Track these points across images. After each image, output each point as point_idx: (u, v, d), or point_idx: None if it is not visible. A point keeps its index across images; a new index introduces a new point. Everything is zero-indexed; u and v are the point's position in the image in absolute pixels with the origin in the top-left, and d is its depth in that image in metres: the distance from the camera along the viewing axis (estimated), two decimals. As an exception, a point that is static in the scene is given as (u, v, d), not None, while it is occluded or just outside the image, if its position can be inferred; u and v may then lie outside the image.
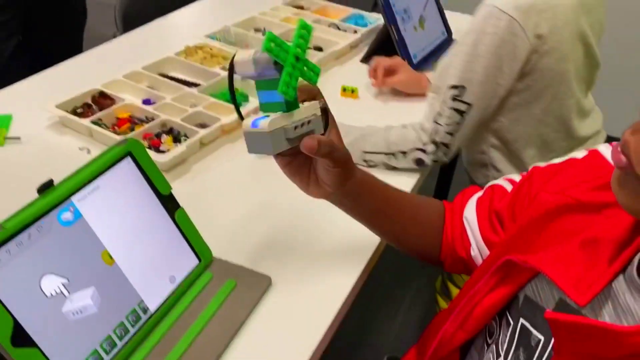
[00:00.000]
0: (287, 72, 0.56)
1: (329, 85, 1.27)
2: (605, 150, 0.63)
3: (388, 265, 2.06)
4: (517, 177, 0.73)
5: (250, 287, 0.73)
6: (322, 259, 0.81)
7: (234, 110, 1.06)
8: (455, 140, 1.02)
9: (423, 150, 1.00)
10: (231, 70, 0.60)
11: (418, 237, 0.76)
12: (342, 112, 1.19)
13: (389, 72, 1.24)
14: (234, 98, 0.64)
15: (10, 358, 0.54)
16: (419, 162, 1.01)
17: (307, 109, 0.60)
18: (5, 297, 0.54)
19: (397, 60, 1.26)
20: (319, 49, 1.38)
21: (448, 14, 1.52)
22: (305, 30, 0.57)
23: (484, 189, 0.76)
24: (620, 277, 0.51)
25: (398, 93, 1.27)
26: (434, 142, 1.00)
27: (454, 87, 1.00)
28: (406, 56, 1.32)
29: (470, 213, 0.73)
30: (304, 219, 0.88)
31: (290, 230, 0.86)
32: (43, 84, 1.20)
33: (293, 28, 1.42)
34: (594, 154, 0.64)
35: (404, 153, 1.01)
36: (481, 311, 0.61)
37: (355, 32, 1.45)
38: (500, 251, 0.63)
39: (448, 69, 1.02)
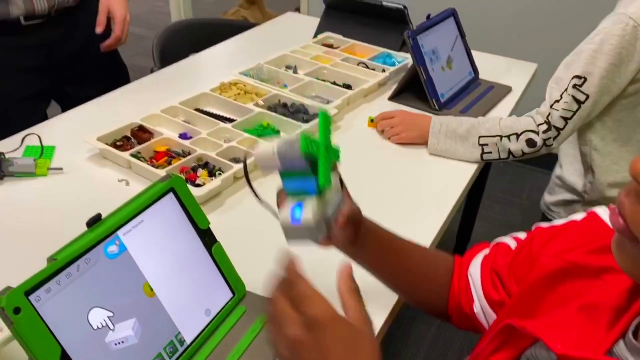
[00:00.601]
0: (322, 164, 0.56)
1: (357, 121, 1.30)
2: (603, 213, 0.64)
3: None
4: (522, 235, 0.75)
5: (283, 322, 0.75)
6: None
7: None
8: (567, 127, 1.13)
9: (535, 132, 1.14)
10: (245, 161, 0.63)
11: (426, 291, 0.77)
12: (370, 141, 1.24)
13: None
14: (250, 185, 0.65)
15: (56, 385, 0.56)
16: (530, 142, 1.14)
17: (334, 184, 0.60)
18: (54, 326, 0.57)
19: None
20: (348, 86, 1.42)
21: (475, 54, 1.55)
22: (326, 121, 0.59)
23: (491, 246, 0.77)
24: (621, 343, 0.51)
25: None
26: (547, 123, 1.13)
27: (577, 77, 1.12)
28: (433, 95, 1.35)
29: (474, 269, 0.74)
30: (336, 256, 0.90)
31: (322, 266, 0.88)
32: (84, 116, 1.26)
33: (323, 66, 1.47)
34: (592, 217, 0.65)
35: (517, 135, 1.15)
36: None
37: (384, 70, 1.49)
38: (503, 314, 0.64)
39: (573, 62, 1.14)
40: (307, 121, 1.21)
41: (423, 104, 1.37)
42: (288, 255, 0.53)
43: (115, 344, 0.62)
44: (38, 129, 1.17)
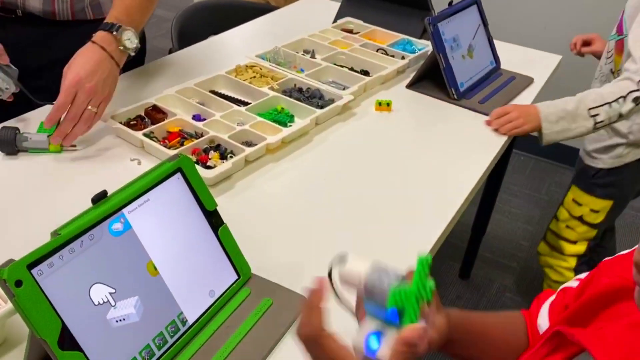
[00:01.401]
0: (408, 317, 0.50)
1: (372, 108, 1.28)
2: None
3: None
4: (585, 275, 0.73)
5: (287, 306, 0.74)
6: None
7: (279, 130, 1.10)
8: None
9: (638, 90, 1.21)
10: (330, 272, 0.55)
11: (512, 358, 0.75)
12: (378, 125, 1.22)
13: (586, 42, 1.54)
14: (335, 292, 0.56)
15: (56, 359, 0.57)
16: (637, 100, 1.22)
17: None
18: (55, 301, 0.57)
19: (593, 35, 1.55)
20: (366, 72, 1.40)
21: (498, 43, 1.52)
22: (424, 267, 0.52)
23: (556, 292, 0.75)
24: None
25: (430, 107, 1.30)
26: None
27: None
28: (452, 84, 1.32)
29: (543, 320, 0.73)
30: (345, 242, 0.89)
31: (329, 250, 0.87)
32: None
33: (341, 51, 1.46)
34: None
35: (623, 98, 1.22)
36: None
37: (403, 57, 1.46)
38: (556, 323, 0.63)
39: None
40: (321, 107, 1.20)
41: (441, 92, 1.34)
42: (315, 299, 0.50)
43: (117, 321, 0.62)
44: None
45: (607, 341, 0.54)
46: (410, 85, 1.38)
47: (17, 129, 1.02)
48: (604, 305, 0.60)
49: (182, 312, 0.68)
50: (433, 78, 1.36)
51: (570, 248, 1.65)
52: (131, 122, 1.11)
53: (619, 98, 1.22)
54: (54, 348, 0.56)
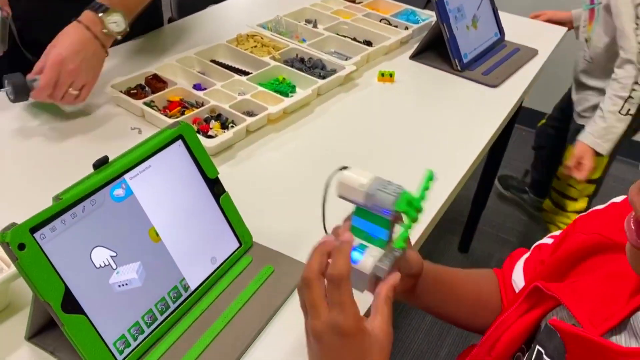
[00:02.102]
0: (407, 228, 0.54)
1: (375, 79, 1.27)
2: None
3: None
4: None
5: (288, 274, 0.75)
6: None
7: (280, 100, 1.09)
8: None
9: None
10: (327, 188, 0.57)
11: (482, 316, 0.76)
12: (380, 96, 1.21)
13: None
14: (324, 217, 0.60)
15: (60, 322, 0.57)
16: None
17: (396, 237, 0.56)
18: (58, 264, 0.57)
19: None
20: (369, 43, 1.38)
21: (502, 15, 1.49)
22: (431, 182, 0.57)
23: (531, 249, 0.76)
24: (638, 313, 0.50)
25: (433, 78, 1.30)
26: None
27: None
28: (456, 55, 1.31)
29: (518, 276, 0.74)
30: (346, 212, 0.89)
31: (331, 221, 0.87)
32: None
33: (343, 21, 1.43)
34: None
35: (637, 83, 1.41)
36: (509, 338, 0.62)
37: (407, 28, 1.44)
38: (532, 280, 0.64)
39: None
40: (323, 77, 1.19)
41: (445, 64, 1.33)
42: (346, 246, 0.52)
43: (119, 286, 0.62)
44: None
45: (580, 293, 0.55)
46: (413, 56, 1.37)
47: (22, 73, 0.96)
48: (579, 260, 0.60)
49: (184, 278, 0.69)
50: (437, 49, 1.35)
51: (572, 205, 1.76)
52: (131, 91, 1.10)
53: (635, 85, 1.40)
54: (57, 311, 0.56)
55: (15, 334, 0.65)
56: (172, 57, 1.19)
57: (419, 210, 0.54)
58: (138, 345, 0.63)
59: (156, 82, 1.13)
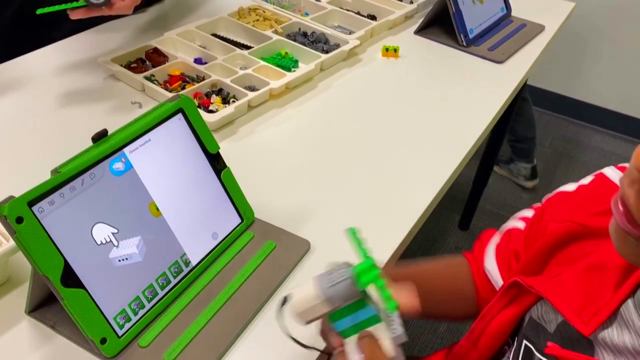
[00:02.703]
0: (380, 286, 0.47)
1: (379, 54, 1.25)
2: (612, 173, 0.62)
3: (424, 236, 2.06)
4: (529, 213, 0.72)
5: (290, 249, 0.74)
6: (362, 228, 0.81)
7: (282, 74, 1.07)
8: None
9: None
10: (284, 302, 0.51)
11: (457, 306, 0.76)
12: (384, 72, 1.19)
13: None
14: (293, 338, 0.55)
15: (60, 296, 0.57)
16: None
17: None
18: (57, 238, 0.57)
19: None
20: (373, 17, 1.36)
21: (509, -12, 1.46)
22: (358, 235, 0.52)
23: (501, 233, 0.74)
24: (629, 302, 0.49)
25: (438, 54, 1.26)
26: None
27: None
28: (462, 31, 1.28)
29: (490, 264, 0.72)
30: (347, 187, 0.88)
31: (333, 197, 0.86)
32: (101, 37, 1.22)
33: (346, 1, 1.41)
34: (600, 178, 0.63)
35: None
36: (492, 331, 0.62)
37: (412, 2, 1.42)
38: (512, 274, 0.64)
39: None
40: (327, 52, 1.17)
41: (450, 39, 1.31)
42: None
43: (119, 261, 0.62)
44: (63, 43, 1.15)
45: (564, 287, 0.54)
46: (418, 31, 1.34)
47: None
48: (555, 251, 0.60)
49: (185, 254, 0.68)
50: (442, 24, 1.32)
51: None
52: (131, 65, 1.08)
53: None
54: (57, 285, 0.56)
55: (16, 308, 0.65)
56: (172, 31, 1.17)
57: (373, 264, 0.48)
58: (139, 319, 0.63)
59: (157, 56, 1.11)
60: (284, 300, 0.51)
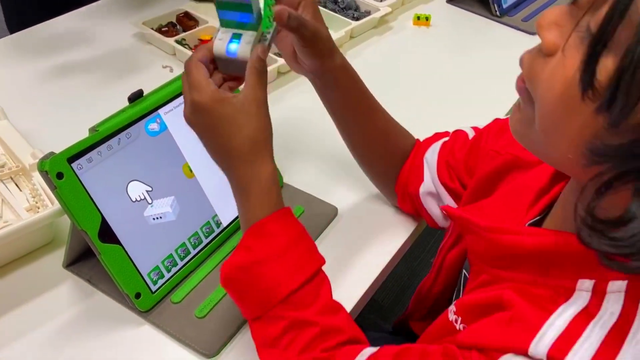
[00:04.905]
0: (267, 5, 0.55)
1: (410, 22, 1.23)
2: None
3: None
4: (481, 126, 0.73)
5: (318, 215, 0.75)
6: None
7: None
8: None
9: None
10: None
11: (381, 160, 0.75)
12: (415, 41, 1.18)
13: None
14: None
15: (97, 251, 0.58)
16: None
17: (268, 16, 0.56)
18: (95, 195, 0.58)
19: None
20: (405, -15, 1.33)
21: (547, -43, 1.42)
22: None
23: (450, 133, 0.74)
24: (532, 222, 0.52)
25: (470, 23, 1.25)
26: None
27: None
28: (495, 0, 1.25)
29: (431, 154, 0.72)
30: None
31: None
32: (132, 1, 1.23)
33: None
34: None
35: None
36: (448, 264, 0.65)
37: (444, -30, 1.38)
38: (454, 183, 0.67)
39: None
40: (357, 19, 1.15)
41: (483, 8, 1.28)
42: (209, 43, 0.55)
43: (154, 219, 0.63)
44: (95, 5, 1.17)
45: (484, 210, 0.57)
46: (451, 0, 1.32)
47: None
48: (496, 181, 0.61)
49: (216, 215, 0.70)
50: (476, -7, 1.29)
51: None
52: (162, 29, 1.09)
53: None
54: (94, 240, 0.58)
55: (57, 267, 0.67)
56: (203, -5, 1.17)
57: None
58: (171, 277, 0.65)
59: (187, 20, 1.11)
60: None
